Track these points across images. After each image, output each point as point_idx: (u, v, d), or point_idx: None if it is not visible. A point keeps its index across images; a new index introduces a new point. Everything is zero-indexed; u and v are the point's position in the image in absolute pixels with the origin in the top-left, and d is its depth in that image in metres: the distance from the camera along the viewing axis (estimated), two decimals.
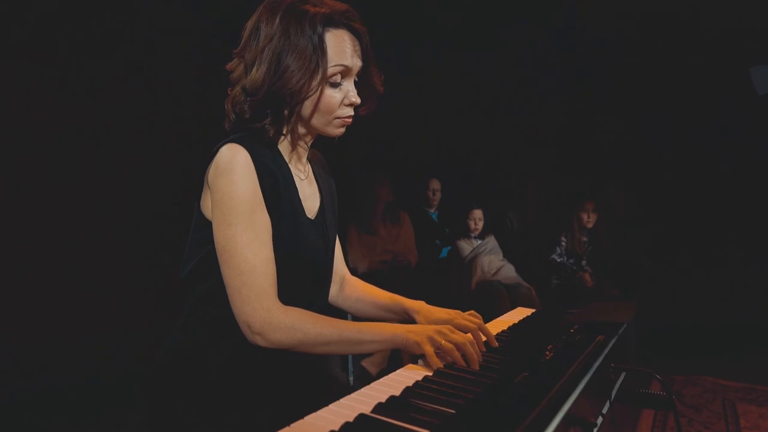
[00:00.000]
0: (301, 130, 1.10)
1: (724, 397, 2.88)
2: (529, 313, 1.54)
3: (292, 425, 0.69)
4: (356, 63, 1.05)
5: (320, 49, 0.99)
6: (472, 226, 3.82)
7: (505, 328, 1.30)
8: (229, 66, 1.07)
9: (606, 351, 1.06)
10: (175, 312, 1.13)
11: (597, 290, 3.68)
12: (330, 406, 0.76)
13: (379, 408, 0.74)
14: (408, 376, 0.92)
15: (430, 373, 0.92)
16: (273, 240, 1.00)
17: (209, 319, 1.05)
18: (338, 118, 1.06)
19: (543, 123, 4.53)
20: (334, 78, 1.03)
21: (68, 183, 2.79)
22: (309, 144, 1.15)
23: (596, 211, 3.81)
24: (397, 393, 0.81)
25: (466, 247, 3.83)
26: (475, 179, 4.75)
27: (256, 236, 0.97)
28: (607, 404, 1.04)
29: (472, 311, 1.18)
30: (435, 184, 4.17)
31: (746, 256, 4.03)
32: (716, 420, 2.58)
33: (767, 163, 3.98)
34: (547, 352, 1.02)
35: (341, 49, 1.02)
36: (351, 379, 2.94)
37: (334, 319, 1.00)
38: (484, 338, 1.08)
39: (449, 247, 4.07)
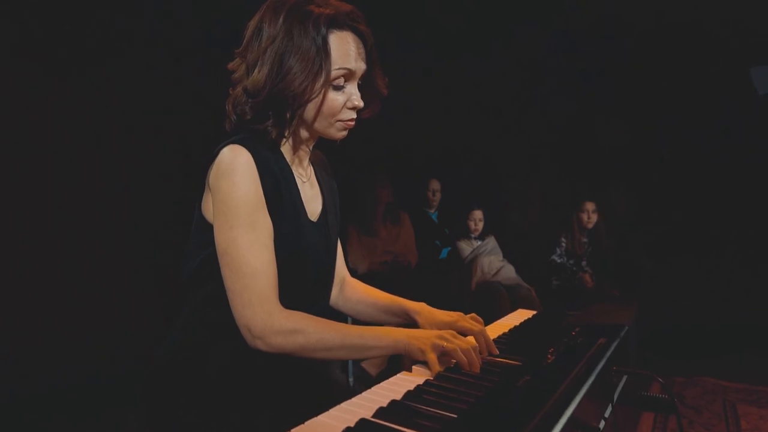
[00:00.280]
0: (303, 132, 1.09)
1: (725, 398, 2.88)
2: (530, 316, 1.53)
3: (293, 430, 0.69)
4: (360, 66, 1.04)
5: (324, 51, 0.98)
6: (473, 226, 3.82)
7: (506, 331, 1.30)
8: (231, 66, 1.06)
9: (608, 354, 1.05)
10: (175, 312, 1.13)
11: (597, 291, 3.68)
12: (331, 410, 0.75)
13: (380, 412, 0.74)
14: (409, 380, 0.91)
15: (432, 377, 0.91)
16: (275, 242, 0.99)
17: (210, 320, 1.04)
18: (341, 121, 1.05)
19: (544, 123, 4.53)
20: (337, 81, 1.01)
21: (68, 183, 2.79)
22: (311, 146, 1.14)
23: (596, 211, 3.81)
24: (399, 397, 0.80)
25: (466, 247, 3.82)
26: (476, 180, 4.75)
27: (257, 239, 0.96)
28: (610, 407, 1.04)
29: (473, 314, 1.16)
30: (435, 185, 4.16)
31: (747, 257, 4.02)
32: (717, 421, 2.57)
33: None
34: (549, 355, 1.01)
35: (345, 51, 1.00)
36: (351, 380, 2.93)
37: (336, 323, 0.99)
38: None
39: (449, 248, 4.06)
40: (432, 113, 4.55)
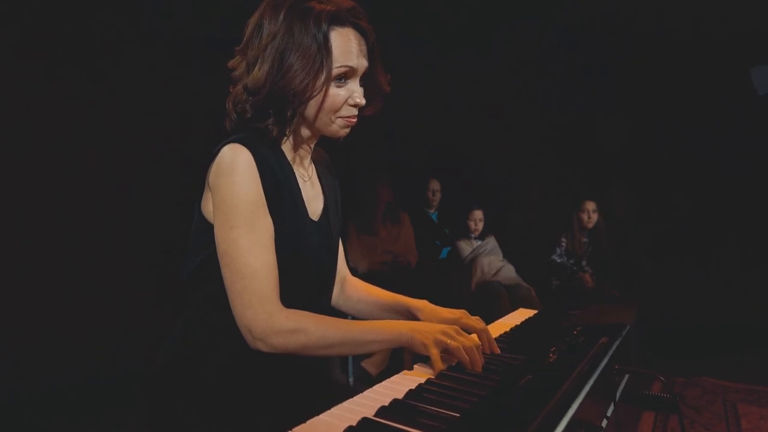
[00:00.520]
0: (305, 130, 1.08)
1: (725, 398, 2.88)
2: (531, 315, 1.53)
3: (294, 429, 0.68)
4: (362, 63, 1.03)
5: (325, 49, 0.97)
6: (473, 226, 3.82)
7: (507, 330, 1.29)
8: (231, 63, 1.05)
9: (610, 353, 1.05)
10: (175, 312, 1.12)
11: (597, 291, 3.68)
12: (332, 409, 0.75)
13: (382, 411, 0.73)
14: (411, 379, 0.91)
15: (433, 376, 0.91)
16: (275, 242, 0.99)
17: (210, 320, 1.04)
18: (342, 117, 1.04)
19: (544, 123, 4.52)
20: (338, 78, 1.01)
21: (68, 183, 2.78)
22: (312, 145, 1.13)
23: (597, 211, 3.81)
24: (401, 396, 0.80)
25: (466, 247, 3.82)
26: (475, 180, 4.75)
27: (258, 239, 0.95)
28: (612, 406, 1.03)
29: (477, 317, 1.15)
30: (435, 185, 4.16)
31: (747, 257, 4.02)
32: (717, 421, 2.57)
33: None
34: (551, 354, 1.01)
35: (347, 48, 0.99)
36: (351, 380, 2.93)
37: (337, 319, 0.99)
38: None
39: (449, 248, 4.06)
40: (432, 113, 4.55)
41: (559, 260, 3.89)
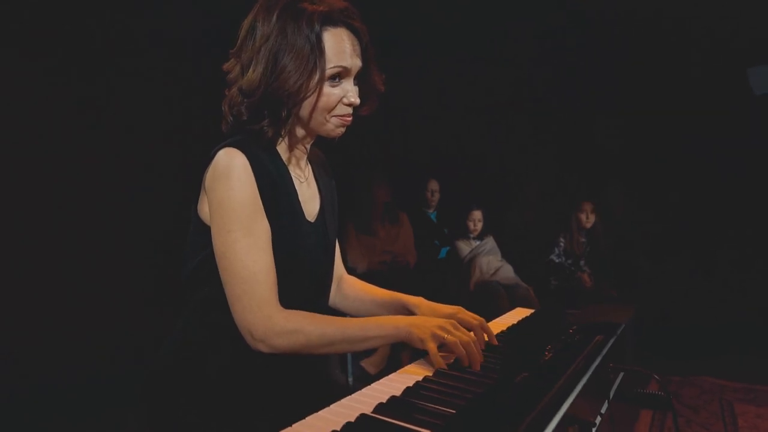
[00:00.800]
0: (300, 131, 1.08)
1: (722, 397, 2.89)
2: (528, 314, 1.54)
3: (294, 426, 0.70)
4: (356, 63, 1.03)
5: (318, 49, 0.97)
6: (472, 227, 3.83)
7: (504, 329, 1.31)
8: (226, 66, 1.05)
9: (604, 351, 1.06)
10: (175, 312, 1.13)
11: (595, 291, 3.69)
12: (331, 406, 0.76)
13: (380, 408, 0.75)
14: (408, 376, 0.92)
15: (430, 374, 0.92)
16: (272, 244, 0.99)
17: (209, 321, 1.04)
18: (336, 116, 1.04)
19: (542, 123, 4.54)
20: (332, 78, 1.01)
21: (68, 183, 2.79)
22: (308, 145, 1.13)
23: (595, 211, 3.83)
24: (398, 393, 0.81)
25: (465, 247, 3.83)
26: (474, 180, 4.76)
27: (255, 243, 0.96)
28: (606, 404, 1.05)
29: (474, 315, 1.17)
30: (433, 185, 4.17)
31: (744, 257, 4.04)
32: (714, 420, 2.58)
33: (766, 164, 3.99)
34: (547, 353, 1.02)
35: (340, 49, 0.99)
36: (350, 379, 2.94)
37: (335, 317, 1.00)
38: (485, 337, 1.08)
39: (448, 248, 4.07)
40: (431, 113, 4.56)
41: (557, 260, 3.91)
